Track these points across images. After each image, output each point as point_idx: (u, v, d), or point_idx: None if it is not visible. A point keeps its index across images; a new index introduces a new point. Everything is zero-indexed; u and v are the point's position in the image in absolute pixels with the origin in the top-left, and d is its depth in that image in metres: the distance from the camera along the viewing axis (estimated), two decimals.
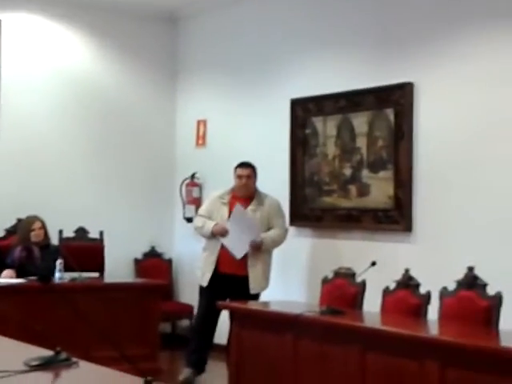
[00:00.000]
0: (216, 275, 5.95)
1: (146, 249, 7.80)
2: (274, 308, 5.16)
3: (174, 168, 8.04)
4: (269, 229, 6.01)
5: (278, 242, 6.07)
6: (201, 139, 7.77)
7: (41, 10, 7.41)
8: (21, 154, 7.30)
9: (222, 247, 5.93)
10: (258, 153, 6.87)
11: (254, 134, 7.17)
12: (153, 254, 7.83)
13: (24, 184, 7.27)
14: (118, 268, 7.35)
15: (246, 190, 6.07)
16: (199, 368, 6.03)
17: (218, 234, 5.94)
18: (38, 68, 7.44)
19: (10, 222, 6.91)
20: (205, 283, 5.99)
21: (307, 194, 6.58)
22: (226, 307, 5.38)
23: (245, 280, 5.89)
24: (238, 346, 4.98)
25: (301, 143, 6.66)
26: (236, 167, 6.15)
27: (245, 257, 5.91)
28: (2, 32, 7.21)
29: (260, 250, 5.93)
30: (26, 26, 7.38)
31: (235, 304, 5.27)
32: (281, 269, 6.44)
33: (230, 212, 5.97)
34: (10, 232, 6.83)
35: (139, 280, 7.13)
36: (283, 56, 6.91)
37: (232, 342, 5.13)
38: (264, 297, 5.99)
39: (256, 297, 5.93)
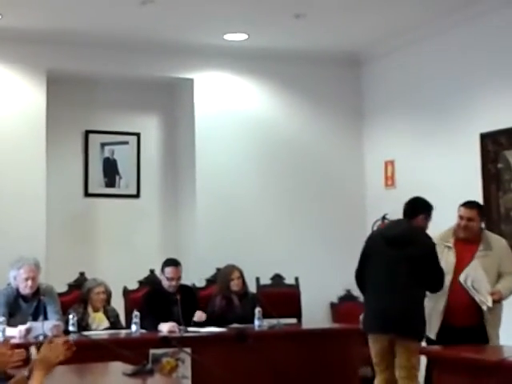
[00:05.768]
0: (444, 327, 5.28)
1: (342, 292, 7.80)
2: (473, 353, 4.96)
3: (364, 210, 8.04)
4: (498, 274, 5.31)
5: None
6: (389, 180, 7.74)
7: (227, 67, 7.76)
8: (216, 204, 7.61)
9: (451, 293, 5.24)
10: (448, 191, 6.72)
11: (443, 171, 7.03)
12: (348, 298, 7.81)
13: (221, 234, 7.55)
14: (314, 313, 7.41)
15: (465, 234, 5.37)
16: None
17: None
18: (228, 120, 7.77)
19: (210, 272, 7.18)
20: (433, 335, 5.33)
21: (504, 230, 6.34)
22: (424, 353, 5.24)
23: (478, 332, 5.17)
24: None
25: (493, 179, 6.46)
26: (460, 205, 5.45)
27: (476, 307, 5.22)
28: (194, 89, 7.69)
29: (500, 302, 5.22)
30: (214, 83, 7.76)
31: (433, 349, 5.13)
32: None
33: (457, 256, 5.33)
34: (210, 282, 7.07)
35: (337, 325, 7.08)
36: (469, 90, 6.75)
37: None
38: None
39: None
